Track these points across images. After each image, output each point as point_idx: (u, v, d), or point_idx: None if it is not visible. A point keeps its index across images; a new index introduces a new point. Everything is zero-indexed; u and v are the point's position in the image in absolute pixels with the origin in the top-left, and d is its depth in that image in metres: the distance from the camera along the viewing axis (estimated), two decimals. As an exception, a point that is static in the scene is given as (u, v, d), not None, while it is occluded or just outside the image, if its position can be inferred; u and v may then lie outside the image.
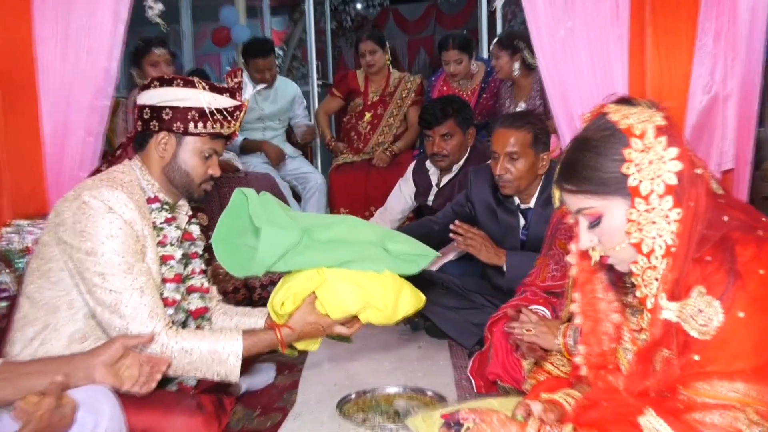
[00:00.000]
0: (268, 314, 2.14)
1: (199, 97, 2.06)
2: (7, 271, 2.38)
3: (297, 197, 4.75)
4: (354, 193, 4.54)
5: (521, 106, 4.16)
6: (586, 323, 1.59)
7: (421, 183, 3.69)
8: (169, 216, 2.14)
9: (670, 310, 1.34)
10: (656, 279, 1.36)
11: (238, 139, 4.69)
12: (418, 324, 3.29)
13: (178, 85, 2.08)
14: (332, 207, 4.67)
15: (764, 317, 1.26)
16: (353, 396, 2.53)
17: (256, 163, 4.62)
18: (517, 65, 4.18)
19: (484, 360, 2.55)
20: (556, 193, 1.50)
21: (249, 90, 2.16)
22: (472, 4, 7.71)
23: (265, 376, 2.68)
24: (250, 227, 2.03)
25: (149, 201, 2.11)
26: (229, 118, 2.08)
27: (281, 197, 4.22)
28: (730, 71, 2.81)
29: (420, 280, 3.12)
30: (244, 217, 2.04)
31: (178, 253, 2.13)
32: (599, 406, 1.43)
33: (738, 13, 2.75)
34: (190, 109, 2.05)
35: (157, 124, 2.08)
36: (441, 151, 3.48)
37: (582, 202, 1.42)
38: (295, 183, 4.79)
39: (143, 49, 3.98)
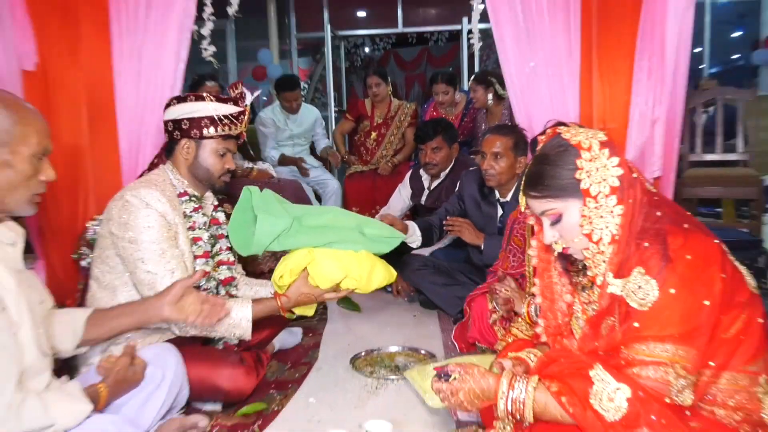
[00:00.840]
0: None
1: (208, 108, 2.06)
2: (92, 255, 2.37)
3: (318, 199, 4.73)
4: (363, 196, 4.54)
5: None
6: (544, 302, 1.59)
7: (416, 187, 3.68)
8: (196, 206, 2.14)
9: (615, 286, 1.33)
10: (604, 261, 1.36)
11: (276, 154, 4.69)
12: (413, 298, 3.27)
13: (191, 100, 2.08)
14: (346, 206, 4.65)
15: (690, 294, 1.25)
16: (363, 353, 2.52)
17: (285, 172, 4.60)
18: (490, 96, 4.20)
19: (464, 328, 2.55)
20: (522, 200, 1.50)
21: (248, 98, 2.13)
22: (455, 48, 7.69)
23: (294, 337, 2.67)
24: (253, 216, 2.02)
25: (180, 195, 2.11)
26: (234, 121, 2.08)
27: (305, 199, 4.21)
28: (658, 100, 2.80)
29: (416, 262, 3.15)
30: (249, 209, 2.02)
31: (206, 235, 2.14)
32: (558, 362, 1.42)
33: (665, 53, 2.74)
34: (202, 118, 2.05)
35: (179, 133, 2.09)
36: (431, 161, 3.46)
37: (545, 206, 1.42)
38: (317, 187, 4.77)
39: (198, 82, 3.96)
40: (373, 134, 4.71)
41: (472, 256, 3.06)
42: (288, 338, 2.62)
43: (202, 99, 2.06)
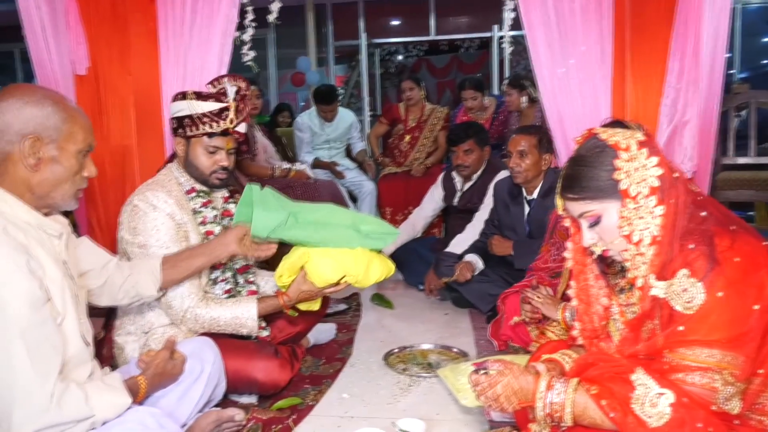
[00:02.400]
0: None
1: (188, 107, 1.99)
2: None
3: (354, 200, 4.68)
4: (396, 197, 4.45)
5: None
6: (580, 305, 1.48)
7: (449, 188, 3.59)
8: (205, 200, 2.07)
9: (658, 288, 1.23)
10: (644, 264, 1.25)
11: (310, 158, 4.66)
12: (445, 296, 3.18)
13: (176, 99, 2.02)
14: (380, 207, 4.59)
15: (738, 297, 1.14)
16: (396, 350, 2.44)
17: (321, 173, 4.57)
18: (524, 99, 4.11)
19: (498, 325, 2.45)
20: (559, 203, 1.40)
21: (231, 94, 2.00)
22: (485, 56, 7.59)
23: (328, 333, 2.60)
24: (252, 211, 1.97)
25: (188, 192, 2.05)
26: (216, 118, 1.98)
27: (341, 198, 4.17)
28: (690, 102, 2.68)
29: (448, 259, 3.07)
30: (250, 203, 1.97)
31: (217, 228, 2.07)
32: (598, 365, 1.33)
33: (700, 54, 2.62)
34: (184, 117, 1.98)
35: (173, 132, 2.03)
36: (463, 163, 3.37)
37: (583, 207, 1.32)
38: (352, 188, 4.71)
39: (237, 86, 3.95)
40: (407, 137, 4.64)
41: (506, 260, 2.96)
42: (322, 333, 2.56)
43: (184, 97, 1.99)
